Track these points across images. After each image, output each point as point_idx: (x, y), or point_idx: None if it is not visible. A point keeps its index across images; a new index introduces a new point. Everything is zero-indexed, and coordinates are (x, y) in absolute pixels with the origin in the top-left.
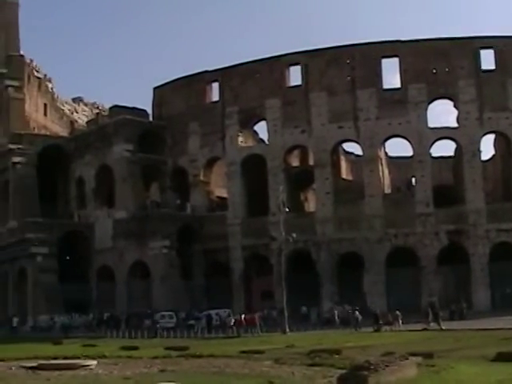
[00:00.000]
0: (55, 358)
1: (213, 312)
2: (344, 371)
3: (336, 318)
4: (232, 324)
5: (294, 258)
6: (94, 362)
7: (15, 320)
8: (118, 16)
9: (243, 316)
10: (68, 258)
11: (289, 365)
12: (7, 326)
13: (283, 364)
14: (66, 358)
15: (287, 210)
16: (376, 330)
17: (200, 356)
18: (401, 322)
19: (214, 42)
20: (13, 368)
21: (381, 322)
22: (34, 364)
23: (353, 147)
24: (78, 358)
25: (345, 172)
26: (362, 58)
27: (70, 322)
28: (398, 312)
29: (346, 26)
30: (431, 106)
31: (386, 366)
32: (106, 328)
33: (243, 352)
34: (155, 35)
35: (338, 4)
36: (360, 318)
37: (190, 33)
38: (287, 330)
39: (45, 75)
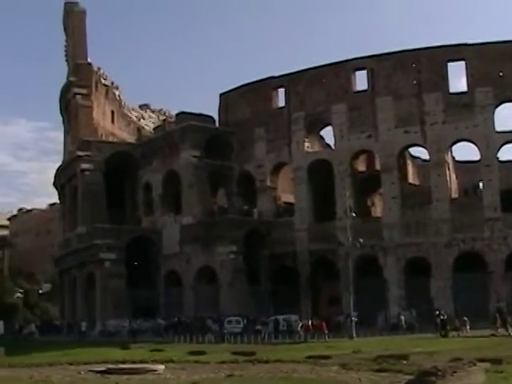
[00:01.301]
0: (123, 363)
1: (280, 317)
2: (411, 377)
3: (403, 323)
4: (299, 329)
5: (361, 263)
6: (162, 367)
7: (84, 324)
8: (184, 23)
9: (310, 321)
10: (136, 263)
11: (356, 370)
12: (76, 331)
13: (350, 369)
14: (134, 362)
15: (354, 214)
16: (443, 336)
17: (267, 361)
18: (468, 327)
19: (279, 47)
20: (82, 372)
21: (448, 328)
22: (102, 368)
23: (419, 152)
24: (146, 362)
25: (411, 176)
26: (428, 62)
27: (137, 326)
28: (465, 317)
29: (412, 29)
30: (498, 109)
31: (454, 372)
32: (173, 333)
33: (310, 357)
34: (221, 42)
35: (403, 8)
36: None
37: (255, 39)
38: (354, 335)
39: (112, 82)
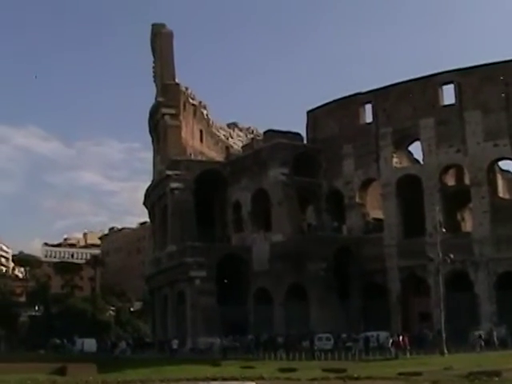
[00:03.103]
0: (214, 380)
1: (370, 334)
2: None
3: (495, 339)
4: (390, 346)
5: (451, 279)
6: None
7: (175, 342)
8: (270, 42)
9: (401, 337)
10: (226, 280)
11: None
12: (167, 348)
13: None
14: (224, 379)
15: (444, 230)
16: None
17: (358, 378)
18: None
19: (365, 63)
20: None
21: None
22: None
23: (509, 165)
24: (237, 379)
25: (502, 190)
26: None
27: (228, 343)
28: None
29: (498, 41)
30: None
31: None
32: (263, 350)
33: (401, 374)
34: (308, 59)
35: (489, 20)
36: None
37: (341, 56)
38: (445, 351)
39: (200, 102)
